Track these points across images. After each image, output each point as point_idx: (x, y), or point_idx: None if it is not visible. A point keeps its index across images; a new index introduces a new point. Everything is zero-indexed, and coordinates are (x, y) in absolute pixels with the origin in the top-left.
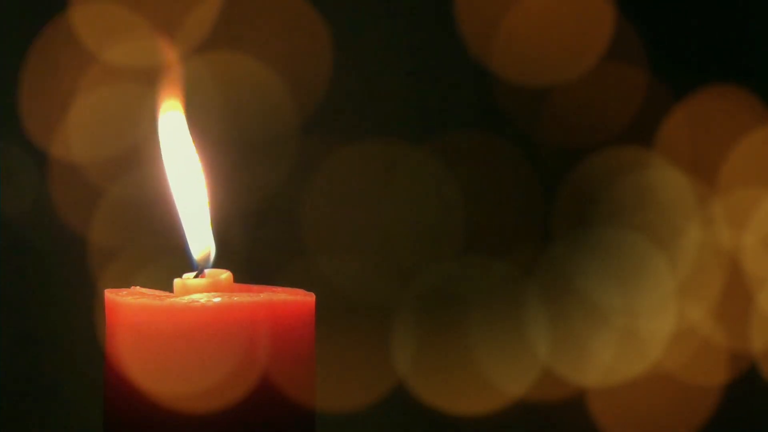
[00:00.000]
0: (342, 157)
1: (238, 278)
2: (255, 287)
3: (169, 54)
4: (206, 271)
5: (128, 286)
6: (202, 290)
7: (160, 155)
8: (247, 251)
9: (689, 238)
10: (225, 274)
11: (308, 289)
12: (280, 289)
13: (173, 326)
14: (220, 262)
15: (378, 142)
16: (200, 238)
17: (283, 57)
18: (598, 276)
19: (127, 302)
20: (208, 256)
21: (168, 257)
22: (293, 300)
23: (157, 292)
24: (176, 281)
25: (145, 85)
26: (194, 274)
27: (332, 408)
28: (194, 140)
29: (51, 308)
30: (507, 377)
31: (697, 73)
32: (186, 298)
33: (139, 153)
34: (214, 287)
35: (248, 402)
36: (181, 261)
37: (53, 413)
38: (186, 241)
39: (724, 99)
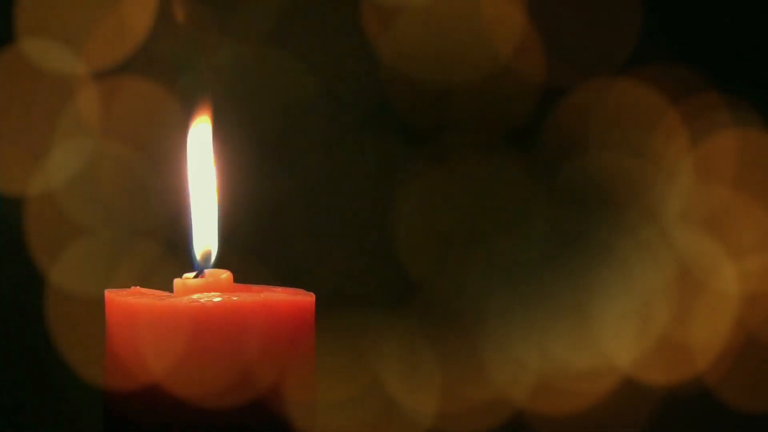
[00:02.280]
0: (344, 157)
1: (238, 278)
2: (255, 287)
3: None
4: (206, 271)
5: (128, 286)
6: (202, 290)
7: (178, 157)
8: (247, 251)
9: (677, 243)
10: (225, 274)
11: (307, 289)
12: (279, 289)
13: (173, 326)
14: (221, 262)
15: (379, 142)
16: (202, 238)
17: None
18: (588, 279)
19: (127, 302)
20: (209, 255)
21: (168, 257)
22: (293, 300)
23: (157, 292)
24: (176, 281)
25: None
26: (194, 274)
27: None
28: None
29: (51, 307)
30: (493, 378)
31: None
32: (186, 298)
33: (153, 154)
34: (214, 287)
35: (248, 401)
36: (182, 260)
37: (53, 412)
38: (190, 241)
39: (727, 106)
